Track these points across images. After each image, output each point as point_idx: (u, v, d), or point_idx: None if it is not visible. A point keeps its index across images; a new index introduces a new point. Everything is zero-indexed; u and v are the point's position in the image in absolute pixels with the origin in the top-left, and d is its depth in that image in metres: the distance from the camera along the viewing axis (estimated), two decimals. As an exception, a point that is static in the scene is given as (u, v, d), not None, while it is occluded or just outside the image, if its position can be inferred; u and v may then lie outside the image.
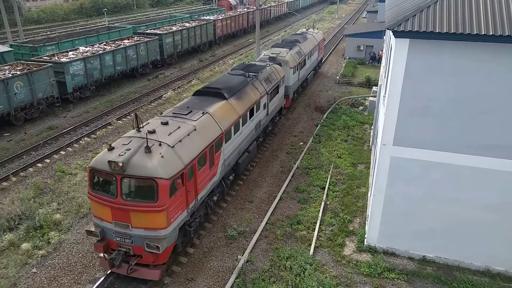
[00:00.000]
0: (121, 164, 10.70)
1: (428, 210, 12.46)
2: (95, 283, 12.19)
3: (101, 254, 12.24)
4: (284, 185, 18.02)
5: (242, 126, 16.96)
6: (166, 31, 39.27)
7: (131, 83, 33.96)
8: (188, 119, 13.78)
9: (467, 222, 12.19)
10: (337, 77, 34.95)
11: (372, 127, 22.97)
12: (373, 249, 13.57)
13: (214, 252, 13.86)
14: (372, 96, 28.45)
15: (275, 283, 12.28)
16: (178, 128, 12.88)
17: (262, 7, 60.46)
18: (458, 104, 11.01)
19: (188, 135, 12.74)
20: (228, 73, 20.23)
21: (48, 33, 55.27)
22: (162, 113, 14.41)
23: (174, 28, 41.43)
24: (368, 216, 14.52)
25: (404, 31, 10.43)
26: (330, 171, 19.10)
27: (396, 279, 12.41)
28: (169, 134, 12.30)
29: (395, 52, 11.13)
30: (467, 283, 12.13)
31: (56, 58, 28.26)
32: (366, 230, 14.25)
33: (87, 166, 11.82)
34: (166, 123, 13.02)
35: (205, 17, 52.55)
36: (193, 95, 17.09)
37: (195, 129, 13.21)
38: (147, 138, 11.42)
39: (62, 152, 21.22)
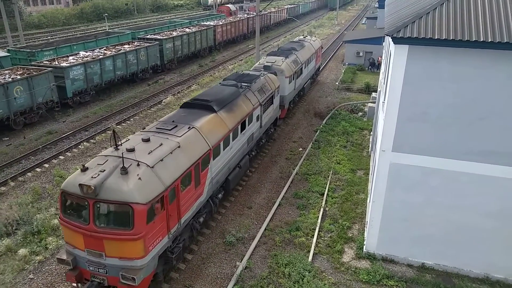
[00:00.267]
0: (93, 187, 9.84)
1: (427, 216, 12.42)
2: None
3: (74, 285, 11.33)
4: (283, 191, 17.97)
5: (233, 140, 16.05)
6: (166, 36, 39.40)
7: (131, 88, 33.99)
8: (172, 135, 12.81)
9: (466, 229, 12.14)
10: (337, 83, 35.01)
11: (371, 133, 22.96)
12: (372, 256, 13.50)
13: (212, 258, 13.78)
14: (371, 102, 28.48)
15: (274, 290, 12.20)
16: (160, 145, 11.93)
17: (262, 13, 60.73)
18: (456, 110, 11.02)
19: (171, 153, 11.82)
20: (219, 83, 19.43)
21: (49, 37, 55.44)
22: (144, 128, 13.64)
23: (174, 34, 41.56)
24: (367, 222, 14.47)
25: (403, 37, 10.46)
26: (329, 177, 19.06)
27: (395, 287, 12.33)
28: (149, 153, 11.36)
29: (394, 58, 11.14)
30: (467, 291, 12.07)
31: (56, 63, 28.32)
32: (365, 236, 14.19)
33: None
34: (147, 140, 12.11)
35: (205, 23, 52.75)
36: (180, 107, 16.16)
37: (179, 146, 12.28)
38: (123, 158, 10.50)
39: (61, 157, 21.18)
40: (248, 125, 17.82)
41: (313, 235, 14.78)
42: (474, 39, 9.88)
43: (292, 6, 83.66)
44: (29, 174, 19.41)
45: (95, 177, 10.13)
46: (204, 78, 37.28)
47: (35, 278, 12.88)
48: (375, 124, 20.15)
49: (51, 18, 69.61)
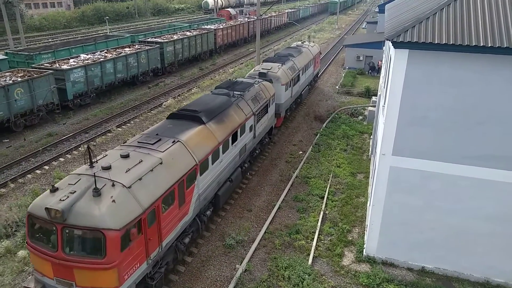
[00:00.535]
0: (61, 212, 9.02)
1: (427, 220, 12.43)
2: None
3: None
4: (283, 194, 17.98)
5: (223, 153, 15.15)
6: (167, 40, 39.51)
7: (132, 90, 34.05)
8: (155, 150, 11.92)
9: (466, 232, 12.15)
10: (337, 87, 35.10)
11: (371, 136, 23.00)
12: (372, 260, 13.50)
13: (212, 261, 13.77)
14: (371, 106, 28.54)
15: (273, 293, 12.19)
16: (140, 162, 11.04)
17: (262, 17, 60.98)
18: (456, 114, 11.06)
19: (152, 170, 10.95)
20: (211, 92, 18.60)
21: (50, 40, 55.59)
22: (125, 142, 12.74)
23: (175, 37, 41.69)
24: (367, 226, 14.48)
25: (404, 42, 10.51)
26: (329, 180, 19.08)
27: (395, 290, 12.33)
28: (127, 171, 10.48)
29: (394, 62, 11.20)
30: (467, 295, 12.07)
31: (57, 65, 28.38)
32: (365, 240, 14.19)
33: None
34: (126, 156, 11.20)
35: (205, 26, 52.90)
36: (167, 118, 15.21)
37: (161, 163, 11.42)
38: (95, 178, 9.65)
39: (61, 159, 21.20)
40: (240, 136, 16.92)
41: (313, 238, 14.78)
42: (474, 44, 9.94)
43: (292, 10, 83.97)
44: (29, 176, 19.42)
45: (63, 200, 9.30)
46: (204, 81, 37.36)
47: (35, 280, 12.85)
48: (375, 127, 20.19)
49: (52, 21, 69.80)
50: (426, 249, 12.81)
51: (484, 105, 10.76)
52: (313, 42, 38.20)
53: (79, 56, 31.94)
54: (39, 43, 51.03)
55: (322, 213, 16.36)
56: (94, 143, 23.23)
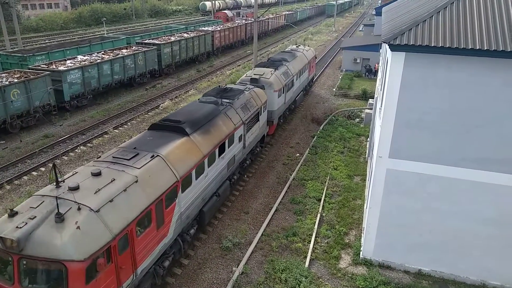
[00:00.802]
0: (16, 241, 8.05)
1: (424, 223, 12.44)
2: None
3: None
4: (280, 196, 17.97)
5: (209, 166, 14.20)
6: (164, 41, 39.49)
7: (129, 92, 33.99)
8: (130, 167, 10.89)
9: (462, 235, 12.17)
10: (334, 89, 35.16)
11: (368, 139, 23.04)
12: (369, 262, 13.50)
13: (209, 263, 13.73)
14: (368, 108, 28.60)
15: (270, 296, 12.17)
16: (112, 181, 10.05)
17: (260, 19, 61.05)
18: (453, 117, 11.09)
19: (125, 190, 9.97)
20: (198, 100, 17.56)
21: (47, 41, 55.43)
22: (100, 157, 11.68)
23: (172, 39, 41.67)
24: (364, 228, 14.48)
25: (400, 44, 10.54)
26: (326, 182, 19.09)
27: (391, 293, 12.33)
28: (96, 192, 9.50)
29: (391, 65, 11.23)
30: (463, 297, 12.08)
31: (54, 67, 28.30)
32: (361, 242, 14.19)
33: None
34: (97, 174, 10.24)
35: (203, 28, 52.92)
36: (148, 129, 14.19)
37: (136, 181, 10.43)
38: (57, 201, 8.69)
39: (58, 161, 21.10)
40: (229, 147, 16.03)
41: (310, 241, 14.77)
42: (470, 47, 9.98)
43: (290, 12, 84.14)
44: (25, 177, 19.33)
45: (20, 227, 8.30)
46: (202, 83, 37.35)
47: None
48: (372, 130, 20.23)
49: (49, 22, 69.69)
50: (422, 251, 12.82)
51: (481, 108, 10.79)
52: (308, 46, 37.53)
53: (76, 57, 31.87)
54: (36, 44, 50.88)
55: (319, 215, 16.35)
56: (91, 145, 23.16)
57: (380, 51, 25.55)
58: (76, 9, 79.47)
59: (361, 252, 13.78)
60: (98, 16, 75.83)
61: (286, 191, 18.46)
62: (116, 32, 59.98)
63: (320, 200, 17.59)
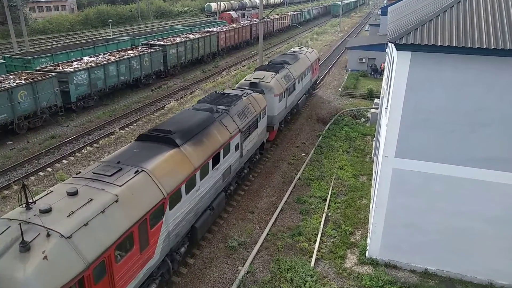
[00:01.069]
0: None
1: (430, 222, 12.39)
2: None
3: None
4: (285, 196, 17.97)
5: (201, 179, 13.25)
6: (170, 43, 39.66)
7: (135, 93, 34.18)
8: (110, 184, 9.95)
9: (469, 234, 12.11)
10: (339, 89, 35.11)
11: (374, 138, 22.97)
12: (375, 262, 13.46)
13: (214, 263, 13.78)
14: (374, 108, 28.52)
15: (276, 295, 12.18)
16: (89, 201, 9.12)
17: (265, 19, 61.11)
18: (460, 116, 11.04)
19: (103, 211, 9.04)
20: (192, 107, 16.68)
21: (53, 43, 55.88)
22: (79, 172, 10.75)
23: (178, 40, 41.85)
24: (369, 228, 14.45)
25: (406, 44, 10.51)
26: (332, 182, 19.06)
27: (398, 293, 12.29)
28: (69, 215, 8.57)
29: (397, 65, 11.20)
30: (470, 297, 12.02)
31: (61, 68, 28.54)
32: (367, 242, 14.16)
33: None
34: (74, 194, 9.30)
35: (207, 29, 53.08)
36: (136, 139, 13.26)
37: (116, 201, 9.51)
38: (21, 228, 7.67)
39: (64, 161, 21.28)
40: (224, 158, 15.14)
41: (316, 240, 14.76)
42: (477, 46, 9.93)
43: (295, 13, 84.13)
44: (32, 178, 19.50)
45: None
46: (207, 83, 37.47)
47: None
48: (378, 130, 20.17)
49: (56, 24, 70.29)
50: (429, 251, 12.77)
51: (488, 107, 10.74)
52: (312, 47, 36.86)
53: (82, 58, 32.10)
54: (41, 46, 51.31)
55: (324, 215, 16.34)
56: (97, 145, 23.31)
57: (386, 51, 25.48)
58: (82, 11, 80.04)
59: (367, 252, 13.75)
60: (104, 18, 76.39)
61: (291, 191, 18.47)
62: (122, 33, 60.31)
63: (325, 199, 17.57)
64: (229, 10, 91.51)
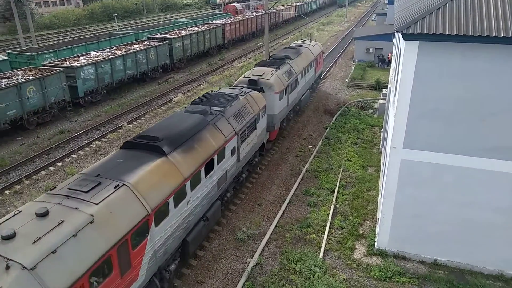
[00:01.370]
0: None
1: (439, 213, 12.35)
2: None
3: None
4: (293, 188, 18.00)
5: (192, 190, 12.24)
6: (175, 36, 39.62)
7: (141, 87, 34.29)
8: (86, 202, 8.94)
9: (479, 225, 12.05)
10: (346, 80, 34.87)
11: (382, 129, 22.85)
12: (384, 253, 13.48)
13: (224, 255, 13.89)
14: (381, 99, 28.32)
15: (285, 286, 12.27)
16: (60, 224, 8.08)
17: (270, 11, 60.68)
18: (468, 106, 10.93)
19: (75, 235, 8.02)
20: (185, 108, 15.70)
21: (60, 38, 56.12)
22: (54, 188, 9.74)
23: (183, 33, 41.78)
24: (378, 219, 14.44)
25: (414, 33, 10.40)
26: (340, 174, 19.04)
27: (407, 283, 12.31)
28: (35, 241, 7.59)
29: (404, 54, 11.09)
30: (480, 288, 12.00)
31: (68, 63, 28.69)
32: (376, 233, 14.17)
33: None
34: (43, 215, 8.28)
35: (213, 21, 52.87)
36: (121, 147, 12.20)
37: (91, 222, 8.49)
38: None
39: (74, 156, 21.50)
40: (218, 164, 14.04)
41: (324, 232, 14.80)
42: (486, 34, 9.79)
43: (300, 3, 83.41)
44: (43, 172, 19.75)
45: None
46: (213, 76, 37.45)
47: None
48: (386, 121, 20.05)
49: (62, 18, 70.49)
50: (438, 242, 12.74)
51: (497, 96, 10.61)
52: (315, 40, 35.50)
53: (89, 53, 32.23)
54: (50, 42, 51.55)
55: (332, 206, 16.35)
56: (106, 140, 23.49)
57: (393, 41, 25.21)
58: (88, 6, 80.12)
59: (375, 243, 13.77)
60: (109, 12, 76.44)
61: (299, 183, 18.49)
62: (127, 27, 60.33)
63: (333, 191, 17.57)
64: (234, 2, 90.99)
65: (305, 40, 31.98)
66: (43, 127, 25.22)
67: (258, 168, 19.85)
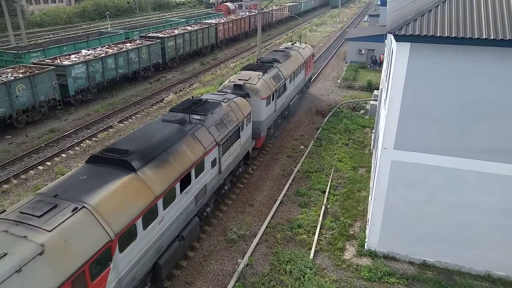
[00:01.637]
0: None
1: (429, 214, 12.42)
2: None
3: None
4: (284, 188, 17.98)
5: (165, 208, 11.22)
6: (168, 35, 39.40)
7: (133, 86, 34.04)
8: (37, 229, 7.91)
9: (468, 226, 12.14)
10: (339, 81, 34.98)
11: (373, 130, 22.94)
12: (374, 253, 13.51)
13: (214, 255, 13.82)
14: (373, 100, 28.44)
15: (275, 287, 12.23)
16: (2, 257, 7.18)
17: (263, 11, 60.67)
18: (459, 108, 11.00)
19: (19, 270, 7.09)
20: (162, 117, 14.47)
21: (51, 36, 55.53)
22: (4, 211, 8.70)
23: (176, 32, 41.57)
24: (368, 220, 14.48)
25: (405, 35, 10.43)
26: (331, 174, 19.06)
27: (396, 284, 12.35)
28: None
29: (396, 56, 11.13)
30: (468, 288, 12.08)
31: (58, 61, 28.37)
32: (366, 234, 14.20)
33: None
34: None
35: (205, 21, 52.69)
36: (86, 161, 11.05)
37: (41, 253, 7.51)
38: None
39: (63, 155, 21.25)
40: (196, 178, 13.01)
41: (315, 233, 14.80)
42: (476, 37, 9.86)
43: (294, 3, 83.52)
44: (32, 172, 19.49)
45: None
46: (206, 76, 37.32)
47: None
48: (377, 122, 20.12)
49: (53, 16, 69.72)
50: (427, 242, 12.81)
51: (488, 98, 10.69)
52: (305, 42, 35.14)
53: (80, 51, 31.90)
54: (40, 39, 50.96)
55: (323, 207, 16.36)
56: (96, 139, 23.27)
57: (385, 42, 25.33)
58: (79, 3, 79.40)
59: (365, 244, 13.80)
60: (101, 10, 75.75)
61: (290, 184, 18.48)
62: (119, 26, 59.88)
63: (324, 192, 17.59)
64: (227, 2, 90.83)
65: (295, 43, 31.07)
66: (33, 126, 24.90)
67: (250, 169, 19.80)
